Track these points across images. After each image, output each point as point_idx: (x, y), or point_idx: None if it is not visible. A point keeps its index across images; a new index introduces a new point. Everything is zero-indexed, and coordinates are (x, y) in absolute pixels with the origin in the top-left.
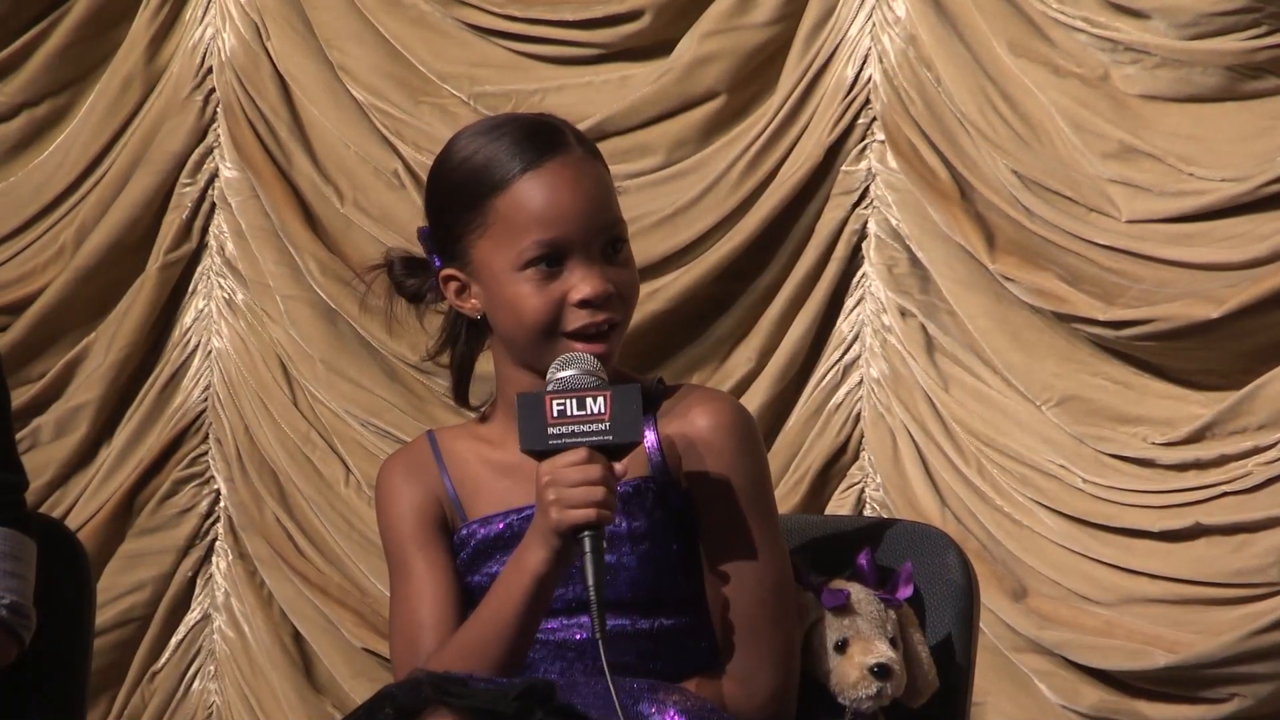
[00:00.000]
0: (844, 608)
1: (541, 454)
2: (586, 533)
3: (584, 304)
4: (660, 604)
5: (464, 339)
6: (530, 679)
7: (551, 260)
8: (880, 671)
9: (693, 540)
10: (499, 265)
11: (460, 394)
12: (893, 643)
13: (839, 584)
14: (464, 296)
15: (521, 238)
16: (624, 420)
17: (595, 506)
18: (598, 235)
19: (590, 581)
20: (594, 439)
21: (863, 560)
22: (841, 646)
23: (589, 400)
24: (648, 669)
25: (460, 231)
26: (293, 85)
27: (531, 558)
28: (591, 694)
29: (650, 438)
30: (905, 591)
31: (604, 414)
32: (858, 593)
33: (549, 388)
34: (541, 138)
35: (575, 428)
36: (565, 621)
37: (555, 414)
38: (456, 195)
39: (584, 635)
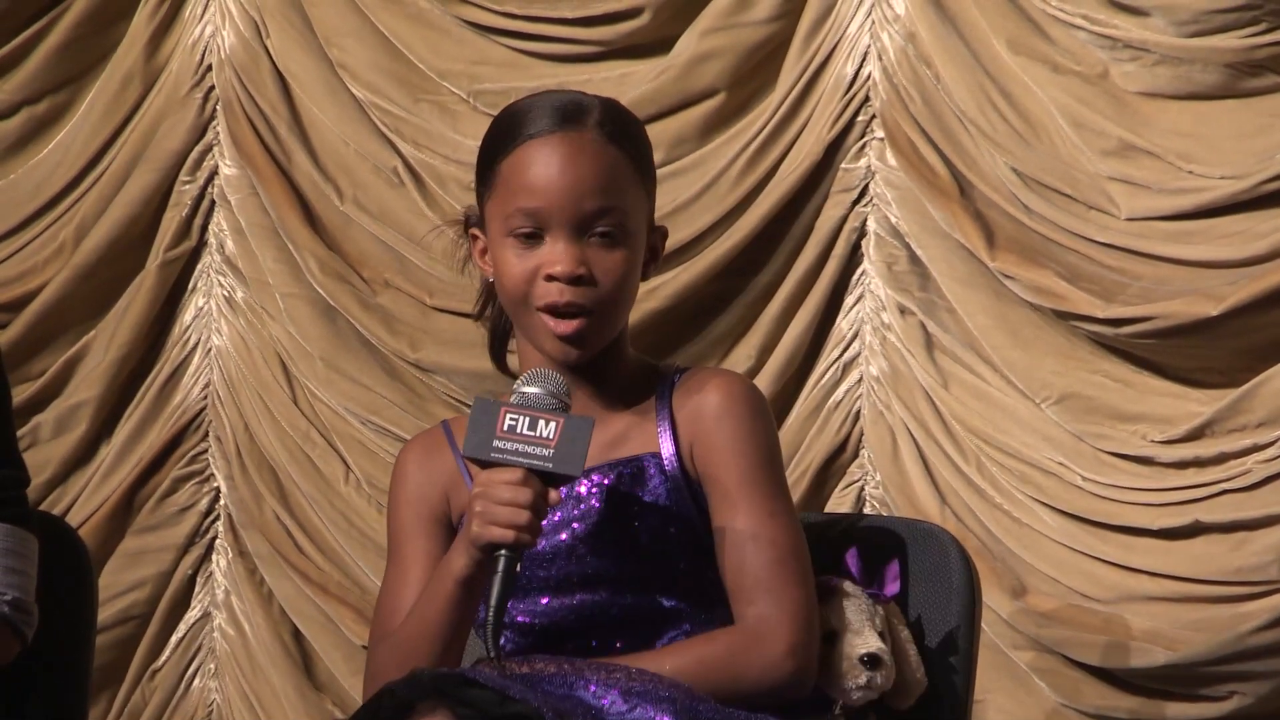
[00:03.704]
0: (833, 600)
1: (483, 464)
2: (502, 552)
3: (552, 279)
4: (643, 582)
5: (497, 299)
6: (526, 704)
7: (535, 231)
8: (870, 661)
9: (692, 525)
10: (496, 228)
11: (495, 353)
12: (881, 636)
13: (827, 577)
14: (486, 258)
15: (510, 203)
16: (568, 451)
17: (515, 529)
18: (585, 216)
19: (492, 602)
20: (534, 463)
21: (850, 558)
22: (830, 638)
23: (541, 423)
24: (620, 647)
25: (481, 190)
26: (292, 83)
27: (456, 562)
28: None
29: (667, 437)
30: (892, 588)
31: (551, 439)
32: (846, 586)
33: (511, 399)
34: (560, 112)
35: (520, 446)
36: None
37: (505, 428)
38: (482, 155)
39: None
